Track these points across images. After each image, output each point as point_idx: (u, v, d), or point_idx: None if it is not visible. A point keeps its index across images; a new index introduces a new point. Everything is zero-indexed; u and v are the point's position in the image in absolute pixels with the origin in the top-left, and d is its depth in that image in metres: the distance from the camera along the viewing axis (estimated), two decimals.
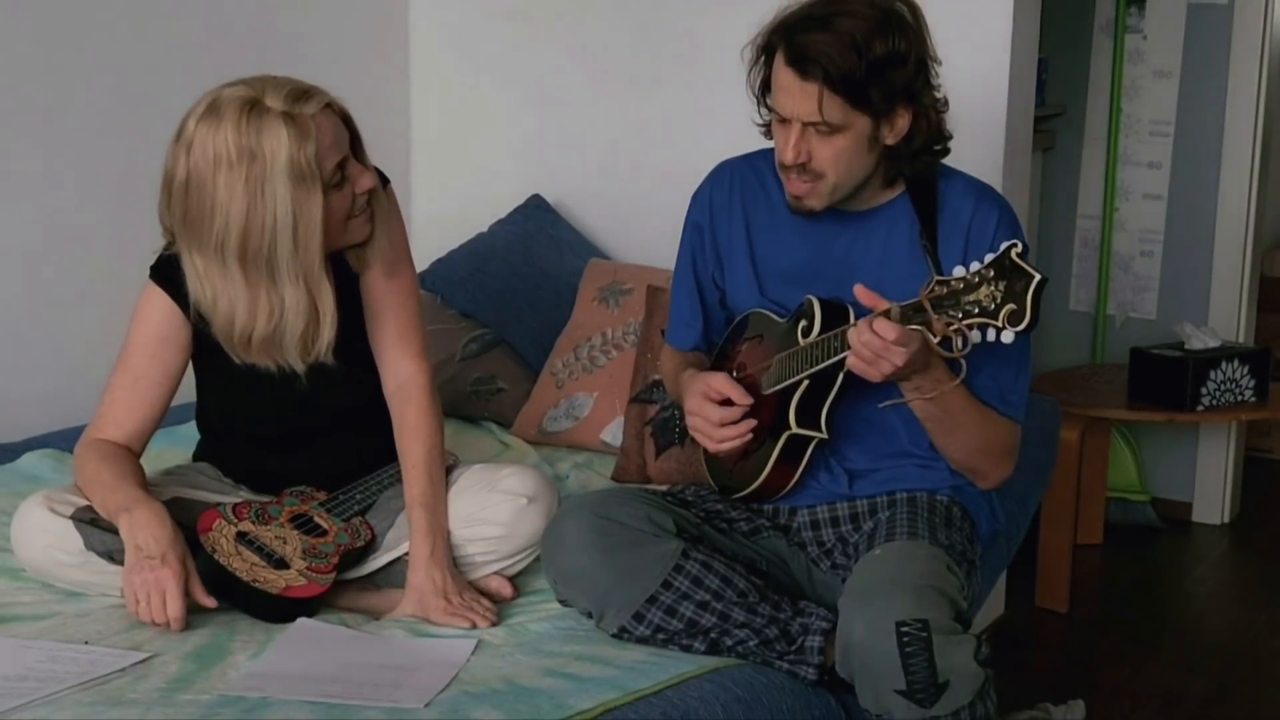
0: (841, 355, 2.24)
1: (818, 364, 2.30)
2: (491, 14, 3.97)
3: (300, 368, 2.47)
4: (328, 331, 2.44)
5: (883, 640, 2.11)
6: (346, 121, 2.44)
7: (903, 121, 2.32)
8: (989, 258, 2.09)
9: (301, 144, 2.33)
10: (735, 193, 2.54)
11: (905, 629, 2.10)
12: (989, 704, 2.18)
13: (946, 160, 2.46)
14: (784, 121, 2.33)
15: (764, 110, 2.41)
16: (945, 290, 2.11)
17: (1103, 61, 4.71)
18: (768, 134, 2.44)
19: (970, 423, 2.36)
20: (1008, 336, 2.06)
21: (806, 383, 2.35)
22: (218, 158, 2.33)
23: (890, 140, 2.33)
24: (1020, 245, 2.07)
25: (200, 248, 2.38)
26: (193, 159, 2.35)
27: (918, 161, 2.38)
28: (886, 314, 2.16)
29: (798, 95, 2.28)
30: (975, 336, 2.11)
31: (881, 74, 2.25)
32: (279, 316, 2.40)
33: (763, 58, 2.36)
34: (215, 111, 2.35)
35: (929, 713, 2.13)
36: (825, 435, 2.39)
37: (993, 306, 2.06)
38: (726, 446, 2.40)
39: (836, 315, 2.33)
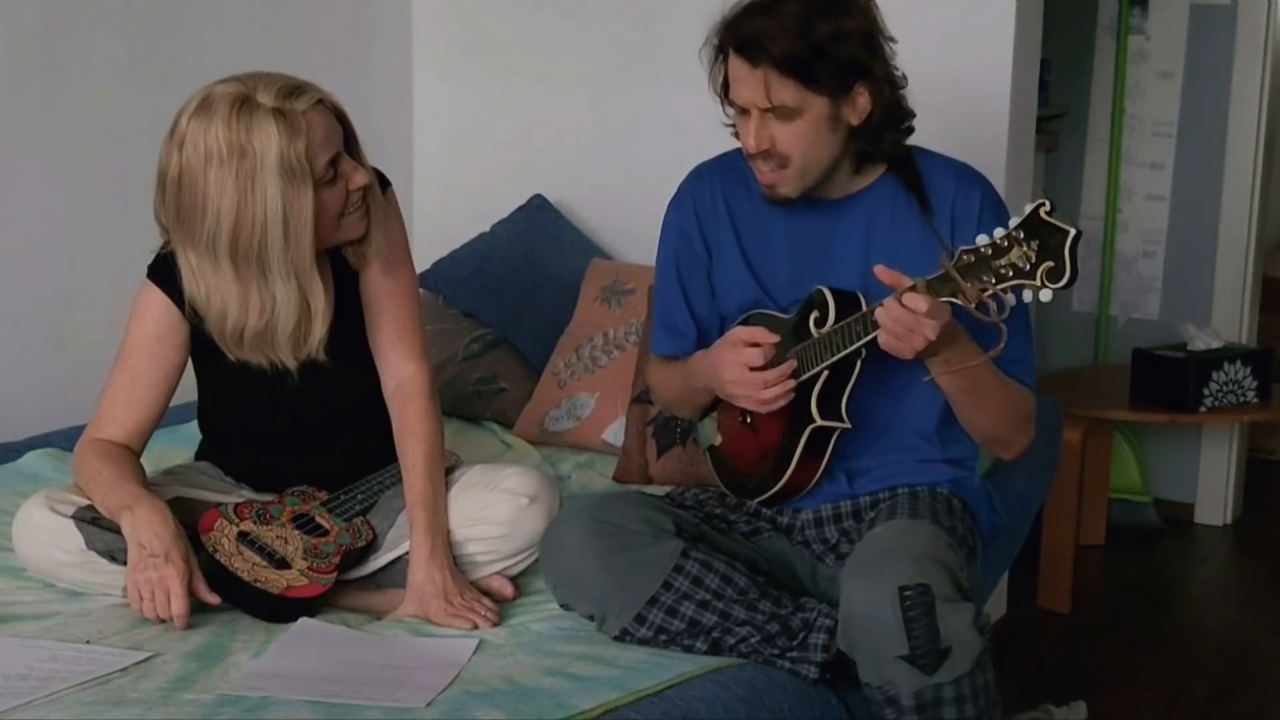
0: (867, 338, 2.25)
1: (839, 351, 2.30)
2: (494, 13, 3.97)
3: (293, 364, 2.47)
4: (320, 328, 2.44)
5: (885, 606, 2.11)
6: (341, 118, 2.44)
7: (862, 100, 2.33)
8: (1015, 220, 2.10)
9: (292, 140, 2.33)
10: (717, 191, 2.54)
11: (908, 593, 2.10)
12: (988, 674, 2.18)
13: (941, 149, 2.48)
14: (744, 112, 2.35)
15: (727, 108, 2.42)
16: (974, 257, 2.13)
17: (1106, 62, 4.71)
18: (736, 134, 2.45)
19: (997, 392, 2.37)
20: (1046, 295, 2.09)
21: (826, 374, 2.35)
22: (209, 154, 2.33)
23: (854, 120, 2.34)
24: (1049, 204, 2.08)
25: (193, 244, 2.38)
26: (185, 155, 2.35)
27: (883, 141, 2.39)
28: (912, 289, 2.17)
29: (749, 82, 2.31)
30: (1010, 299, 2.12)
31: (827, 52, 2.27)
32: (270, 313, 2.40)
33: (719, 56, 2.37)
34: (207, 108, 2.35)
35: (931, 680, 2.12)
36: (849, 424, 2.38)
37: (1028, 266, 2.08)
38: (772, 397, 2.34)
39: (849, 303, 2.33)
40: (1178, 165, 4.65)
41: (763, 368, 2.35)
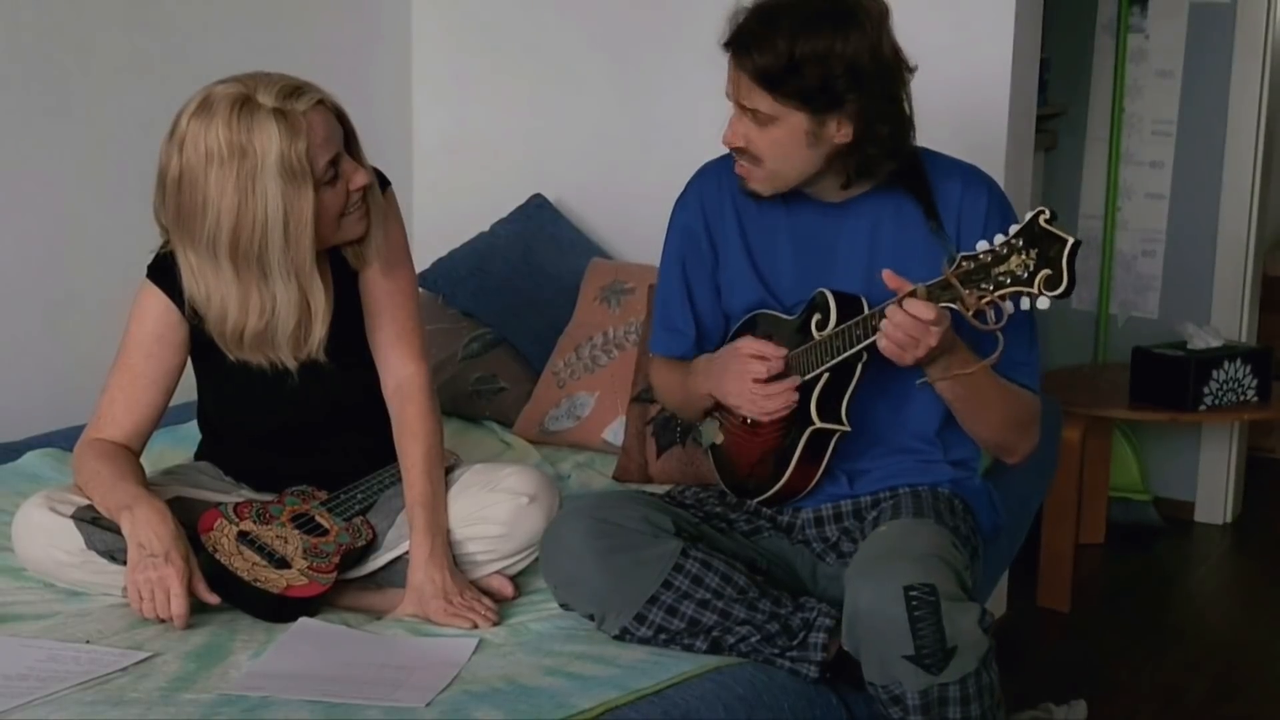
0: (866, 342, 2.25)
1: (839, 354, 2.30)
2: (494, 12, 3.97)
3: (292, 365, 2.47)
4: (320, 328, 2.44)
5: (891, 605, 2.11)
6: (341, 118, 2.44)
7: (845, 124, 2.31)
8: (1014, 228, 2.10)
9: (292, 140, 2.32)
10: (725, 190, 2.53)
11: (914, 593, 2.11)
12: (993, 673, 2.19)
13: (940, 148, 2.48)
14: (732, 103, 2.36)
15: None
16: (973, 265, 2.13)
17: (1105, 61, 4.71)
18: None
19: (997, 399, 2.37)
20: (1043, 303, 2.09)
21: (826, 376, 2.35)
22: (209, 154, 2.33)
23: (838, 140, 2.32)
24: (1048, 212, 2.08)
25: (193, 244, 2.38)
26: (185, 156, 2.35)
27: (871, 164, 2.36)
28: (912, 295, 2.17)
29: (732, 80, 2.33)
30: (1009, 307, 2.12)
31: (802, 73, 2.26)
32: (270, 313, 2.40)
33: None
34: (207, 108, 2.35)
35: (937, 680, 2.13)
36: (848, 428, 2.38)
37: (1025, 275, 2.08)
38: (775, 407, 2.35)
39: (851, 306, 2.33)
40: (1177, 164, 4.65)
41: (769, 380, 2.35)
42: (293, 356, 2.47)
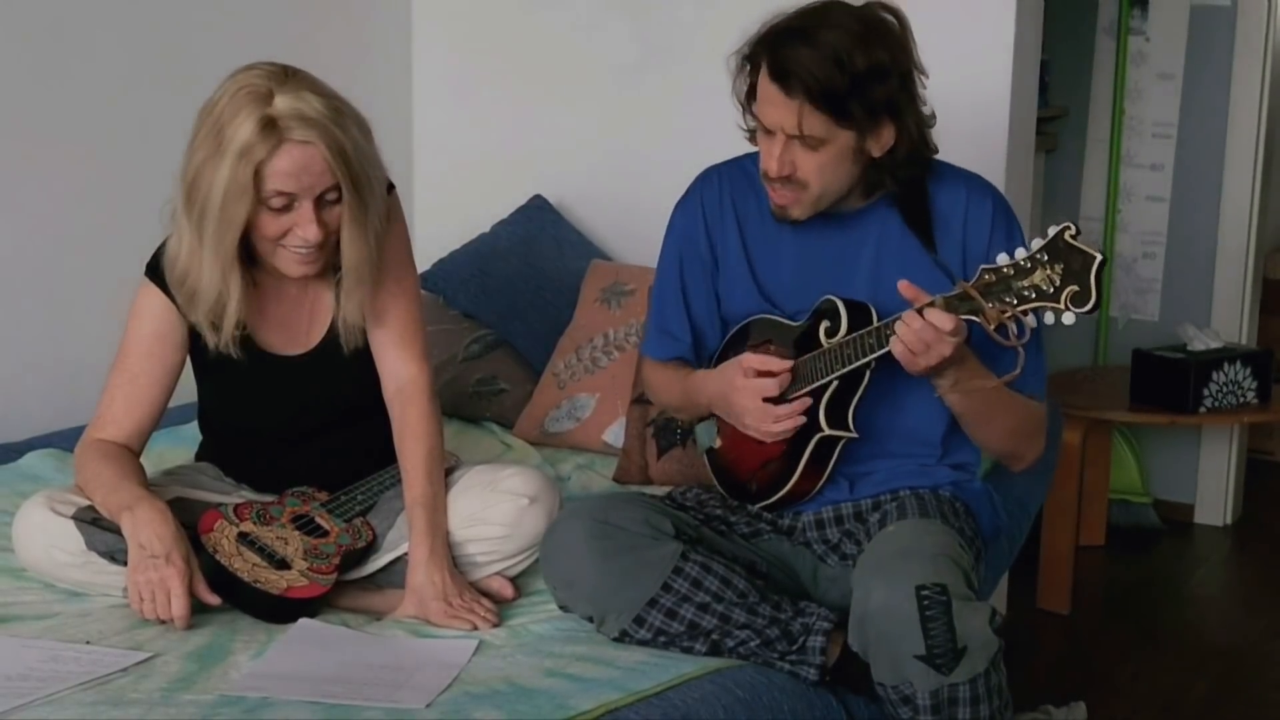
0: (880, 352, 2.24)
1: (851, 363, 2.29)
2: (495, 13, 3.98)
3: (211, 340, 2.47)
4: (230, 322, 2.44)
5: (903, 605, 2.11)
6: (350, 177, 2.37)
7: (887, 135, 2.31)
8: (1038, 242, 2.10)
9: (257, 146, 2.31)
10: (726, 197, 2.53)
11: (925, 592, 2.11)
12: (1002, 674, 2.19)
13: (941, 151, 2.47)
14: (769, 133, 2.33)
15: (749, 118, 2.40)
16: (995, 277, 2.12)
17: (1105, 63, 4.71)
18: (753, 139, 2.44)
19: (1005, 410, 2.38)
20: (1069, 318, 2.09)
21: (836, 383, 2.35)
22: (207, 109, 2.36)
23: (875, 152, 2.33)
24: (1074, 228, 2.08)
25: (181, 176, 2.40)
26: (208, 100, 2.38)
27: (900, 173, 2.37)
28: (931, 305, 2.17)
29: (781, 108, 2.29)
30: (1031, 321, 2.12)
31: (863, 89, 2.25)
32: (196, 276, 2.41)
33: (748, 66, 2.35)
34: (234, 77, 2.37)
35: (947, 680, 2.12)
36: (856, 434, 2.38)
37: (1051, 290, 2.08)
38: (782, 429, 2.34)
39: (860, 314, 2.32)
40: (1177, 166, 4.65)
41: (775, 398, 2.34)
42: (210, 328, 2.46)
